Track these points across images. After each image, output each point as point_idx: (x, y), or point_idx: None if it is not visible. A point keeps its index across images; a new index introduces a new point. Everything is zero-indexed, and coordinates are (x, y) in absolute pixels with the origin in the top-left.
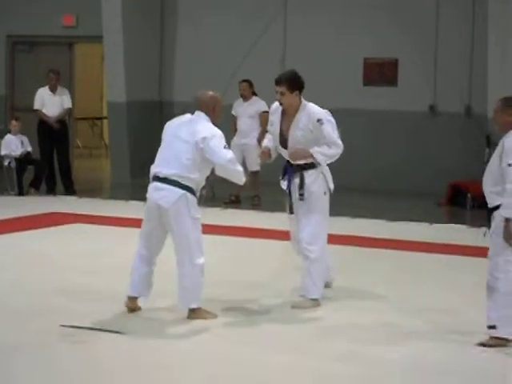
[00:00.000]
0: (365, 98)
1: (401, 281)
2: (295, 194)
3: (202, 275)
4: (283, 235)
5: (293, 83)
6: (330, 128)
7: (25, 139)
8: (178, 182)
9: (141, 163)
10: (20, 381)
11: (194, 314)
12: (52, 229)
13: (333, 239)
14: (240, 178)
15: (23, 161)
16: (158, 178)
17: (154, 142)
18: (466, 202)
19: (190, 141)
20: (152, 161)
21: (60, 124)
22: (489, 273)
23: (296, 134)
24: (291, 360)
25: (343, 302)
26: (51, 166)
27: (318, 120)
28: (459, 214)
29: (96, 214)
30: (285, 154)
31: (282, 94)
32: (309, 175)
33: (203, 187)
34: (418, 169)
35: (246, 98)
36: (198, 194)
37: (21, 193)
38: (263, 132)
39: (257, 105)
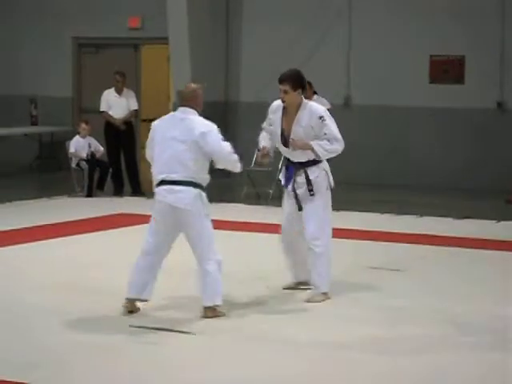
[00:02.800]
0: (431, 96)
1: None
2: (301, 192)
3: (220, 271)
4: None
5: (296, 82)
6: (332, 124)
7: (93, 141)
8: (191, 182)
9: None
10: (95, 380)
11: (210, 312)
12: (120, 230)
13: (399, 237)
14: (238, 166)
15: (93, 162)
16: (168, 182)
17: None
18: None
19: (187, 140)
20: None
21: (126, 125)
22: None
23: (298, 131)
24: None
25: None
26: (118, 167)
27: (320, 117)
28: None
29: None
30: (286, 152)
31: (285, 92)
32: (312, 172)
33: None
34: (486, 166)
35: (307, 99)
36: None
37: (89, 194)
38: None
39: (320, 103)
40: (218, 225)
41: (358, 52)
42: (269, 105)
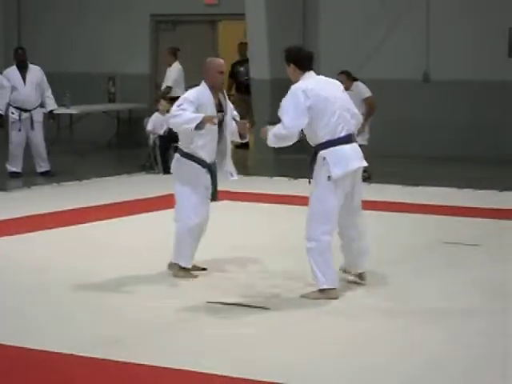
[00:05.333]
0: (510, 70)
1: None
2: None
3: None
4: None
5: (286, 57)
6: (286, 101)
7: None
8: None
9: None
10: (174, 356)
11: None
12: None
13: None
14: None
15: (167, 139)
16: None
17: None
18: None
19: None
20: None
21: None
22: None
23: None
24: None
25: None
26: None
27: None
28: None
29: (240, 190)
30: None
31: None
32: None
33: None
34: None
35: (346, 90)
36: None
37: (166, 171)
38: (369, 115)
39: (357, 92)
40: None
41: (437, 27)
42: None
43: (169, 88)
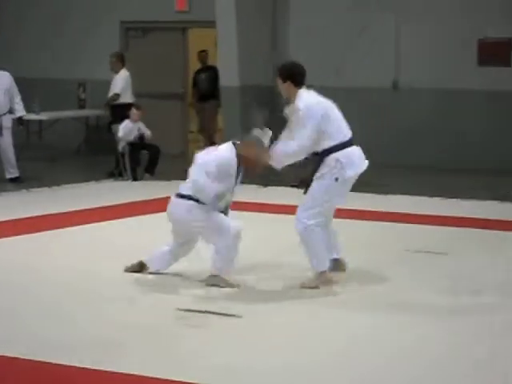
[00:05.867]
0: (479, 79)
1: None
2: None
3: None
4: None
5: (284, 75)
6: (302, 120)
7: (142, 126)
8: None
9: None
10: (139, 361)
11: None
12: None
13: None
14: None
15: (137, 146)
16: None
17: (268, 126)
18: None
19: None
20: None
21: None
22: None
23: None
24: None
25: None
26: None
27: (298, 109)
28: None
29: None
30: None
31: (278, 82)
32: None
33: None
34: None
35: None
36: None
37: (135, 178)
38: None
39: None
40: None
41: (406, 38)
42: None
43: (116, 95)
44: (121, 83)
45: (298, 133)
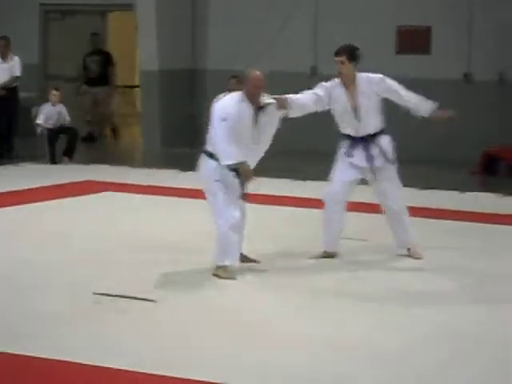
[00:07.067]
0: (398, 66)
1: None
2: (378, 163)
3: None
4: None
5: (352, 54)
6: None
7: (63, 109)
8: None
9: (172, 132)
10: (59, 346)
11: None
12: (84, 197)
13: (364, 207)
14: None
15: (56, 130)
16: None
17: (186, 111)
18: (499, 170)
19: None
20: (183, 129)
21: (7, 91)
22: None
23: (364, 102)
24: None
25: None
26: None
27: (380, 79)
28: (491, 182)
29: (128, 182)
30: (353, 127)
31: (342, 62)
32: (384, 141)
33: None
34: (452, 137)
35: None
36: None
37: (53, 161)
38: None
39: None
40: None
41: (325, 24)
42: (233, 73)
43: (16, 77)
44: (20, 66)
45: None
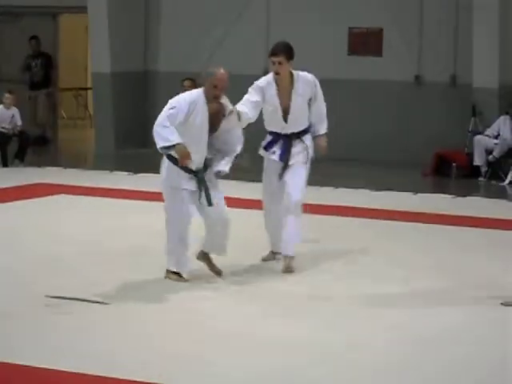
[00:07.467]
0: (350, 68)
1: (381, 248)
2: (294, 160)
3: None
4: None
5: (289, 53)
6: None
7: (16, 112)
8: None
9: (125, 134)
10: (8, 348)
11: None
12: (36, 200)
13: (316, 209)
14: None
15: (6, 133)
16: None
17: (139, 113)
18: (450, 172)
19: None
20: (136, 131)
21: None
22: None
23: (297, 101)
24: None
25: (327, 270)
26: None
27: (315, 83)
28: (443, 183)
29: (80, 184)
30: (281, 126)
31: (279, 63)
32: (306, 139)
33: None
34: (403, 139)
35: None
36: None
37: (5, 164)
38: None
39: None
40: None
41: (277, 26)
42: (185, 75)
43: None
44: None
45: None
